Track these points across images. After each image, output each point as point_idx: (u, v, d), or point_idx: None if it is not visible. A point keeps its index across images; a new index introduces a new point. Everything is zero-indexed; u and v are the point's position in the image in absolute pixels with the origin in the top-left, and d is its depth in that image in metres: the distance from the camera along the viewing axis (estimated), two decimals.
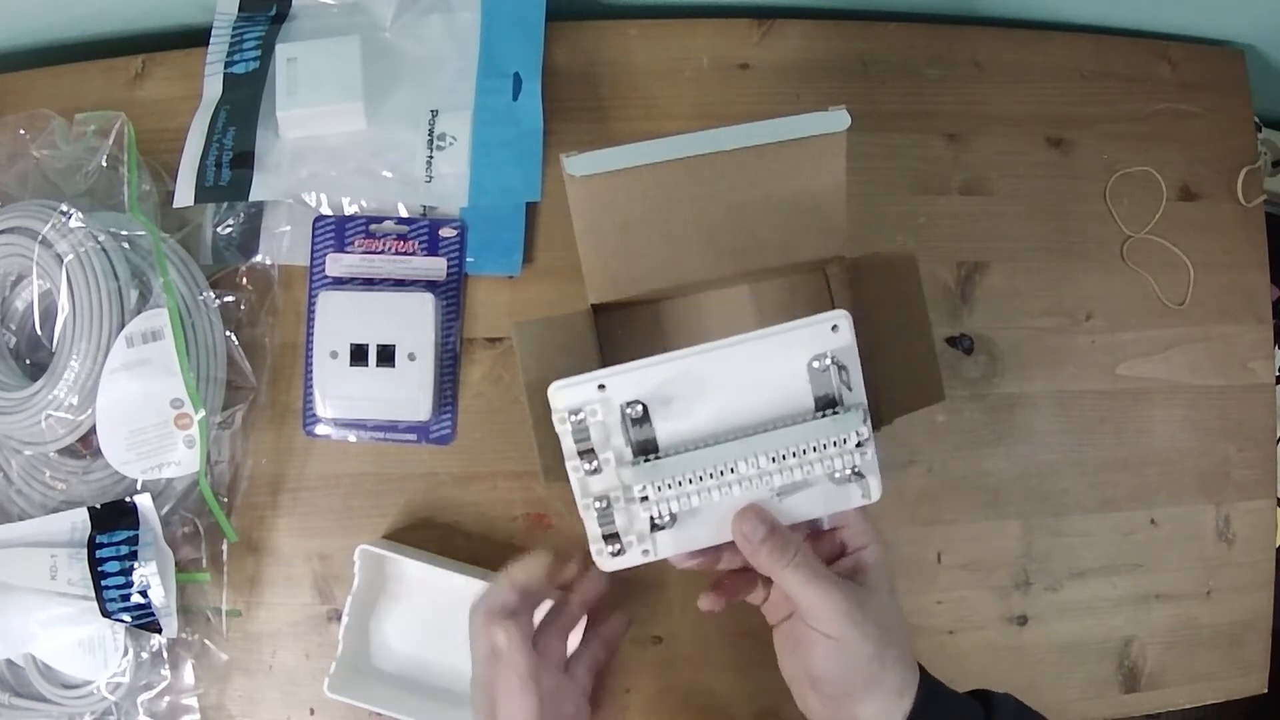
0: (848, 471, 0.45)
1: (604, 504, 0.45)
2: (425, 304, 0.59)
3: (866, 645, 0.44)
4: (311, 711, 0.60)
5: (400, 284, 0.62)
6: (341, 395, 0.59)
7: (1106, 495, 0.66)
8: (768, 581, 0.49)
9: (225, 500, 0.60)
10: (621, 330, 0.60)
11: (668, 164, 0.49)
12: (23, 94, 0.64)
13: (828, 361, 0.44)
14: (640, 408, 0.44)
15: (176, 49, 0.65)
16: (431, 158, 0.62)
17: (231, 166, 0.61)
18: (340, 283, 0.62)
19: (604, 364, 0.56)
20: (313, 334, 0.60)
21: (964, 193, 0.67)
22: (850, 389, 0.45)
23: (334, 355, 0.59)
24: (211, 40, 0.65)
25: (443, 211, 0.63)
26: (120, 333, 0.56)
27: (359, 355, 0.59)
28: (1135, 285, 0.68)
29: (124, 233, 0.58)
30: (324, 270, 0.62)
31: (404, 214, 0.62)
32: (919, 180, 0.67)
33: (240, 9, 0.66)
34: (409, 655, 0.59)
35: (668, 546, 0.46)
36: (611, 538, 0.45)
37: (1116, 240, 0.68)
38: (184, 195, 0.60)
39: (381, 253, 0.62)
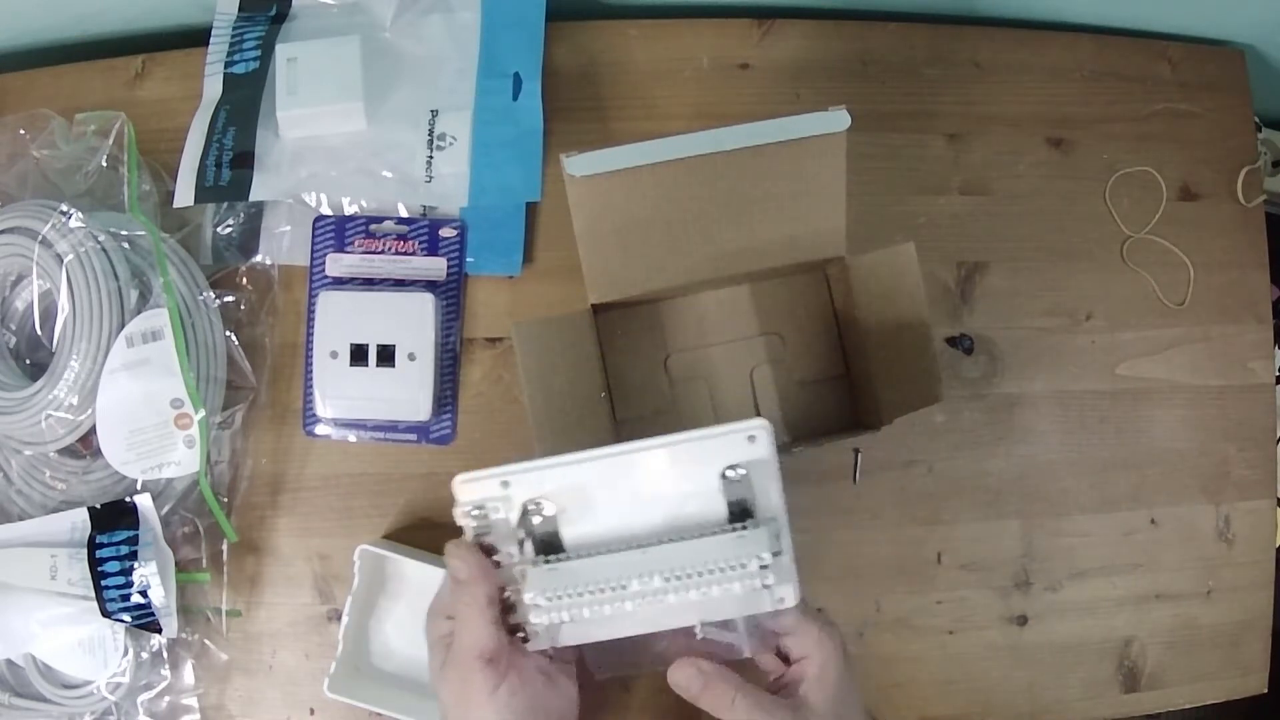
0: (757, 584, 0.42)
1: (508, 597, 0.44)
2: (425, 304, 0.59)
3: None
4: (311, 711, 0.60)
5: (400, 284, 0.62)
6: (341, 395, 0.59)
7: (1106, 495, 0.66)
8: None
9: (225, 500, 0.60)
10: (621, 331, 0.60)
11: (668, 164, 0.49)
12: (23, 94, 0.64)
13: (743, 473, 0.42)
14: (544, 506, 0.43)
15: (176, 49, 0.65)
16: (431, 158, 0.62)
17: (231, 166, 0.61)
18: (340, 283, 0.62)
19: (605, 363, 0.57)
20: (313, 334, 0.60)
21: (964, 193, 0.67)
22: (769, 500, 0.42)
23: (334, 355, 0.59)
24: (211, 40, 0.65)
25: (443, 211, 0.63)
26: (120, 333, 0.56)
27: (359, 355, 0.59)
28: (1135, 285, 0.68)
29: (124, 233, 0.58)
30: (324, 270, 0.62)
31: (404, 214, 0.62)
32: (919, 180, 0.67)
33: (240, 9, 0.66)
34: (409, 655, 0.59)
35: (572, 638, 0.44)
36: (516, 628, 0.44)
37: (1116, 240, 0.68)
38: (184, 195, 0.60)
39: (381, 253, 0.62)
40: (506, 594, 0.44)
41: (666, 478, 0.42)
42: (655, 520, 0.43)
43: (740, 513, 0.42)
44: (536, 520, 0.43)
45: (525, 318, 0.53)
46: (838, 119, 0.50)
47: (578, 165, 0.49)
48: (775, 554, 0.42)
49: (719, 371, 0.60)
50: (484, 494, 0.43)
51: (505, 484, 0.43)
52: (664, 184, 0.51)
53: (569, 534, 0.43)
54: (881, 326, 0.55)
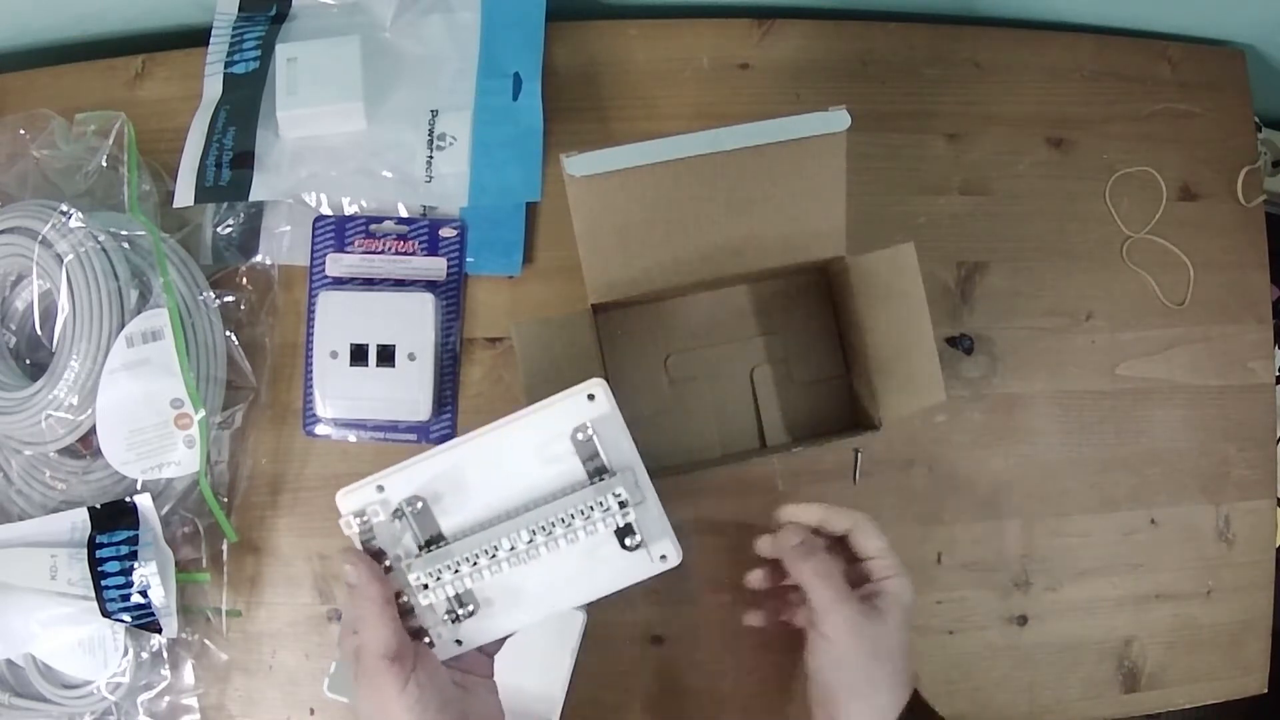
0: (638, 540, 0.45)
1: (405, 600, 0.46)
2: (425, 304, 0.59)
3: (858, 657, 0.47)
4: (311, 711, 0.60)
5: (400, 284, 0.62)
6: (341, 395, 0.59)
7: (1106, 495, 0.66)
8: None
9: (225, 500, 0.60)
10: (621, 331, 0.60)
11: (667, 164, 0.49)
12: (23, 94, 0.64)
13: (590, 432, 0.45)
14: (420, 503, 0.45)
15: (176, 49, 0.65)
16: (431, 158, 0.62)
17: (231, 166, 0.61)
18: (340, 283, 0.62)
19: (605, 363, 0.57)
20: (313, 334, 0.60)
21: (964, 193, 0.67)
22: (620, 453, 0.45)
23: (334, 355, 0.59)
24: (211, 40, 0.65)
25: (443, 211, 0.63)
26: (120, 333, 0.56)
27: (359, 355, 0.59)
28: (1135, 285, 0.68)
29: (124, 233, 0.58)
30: (324, 270, 0.62)
31: (404, 214, 0.62)
32: (919, 180, 0.67)
33: (240, 9, 0.66)
34: None
35: (475, 635, 0.46)
36: (418, 632, 0.46)
37: (1116, 240, 0.68)
38: (184, 195, 0.60)
39: (381, 253, 0.62)
40: (404, 598, 0.46)
41: (525, 453, 0.45)
42: (524, 494, 0.46)
43: (596, 470, 0.45)
44: (413, 515, 0.45)
45: (525, 318, 0.53)
46: (838, 119, 0.50)
47: (578, 165, 0.49)
48: (638, 503, 0.45)
49: (719, 371, 0.60)
50: (363, 501, 0.46)
51: (380, 488, 0.45)
52: (664, 184, 0.51)
53: (447, 524, 0.46)
54: (881, 326, 0.55)
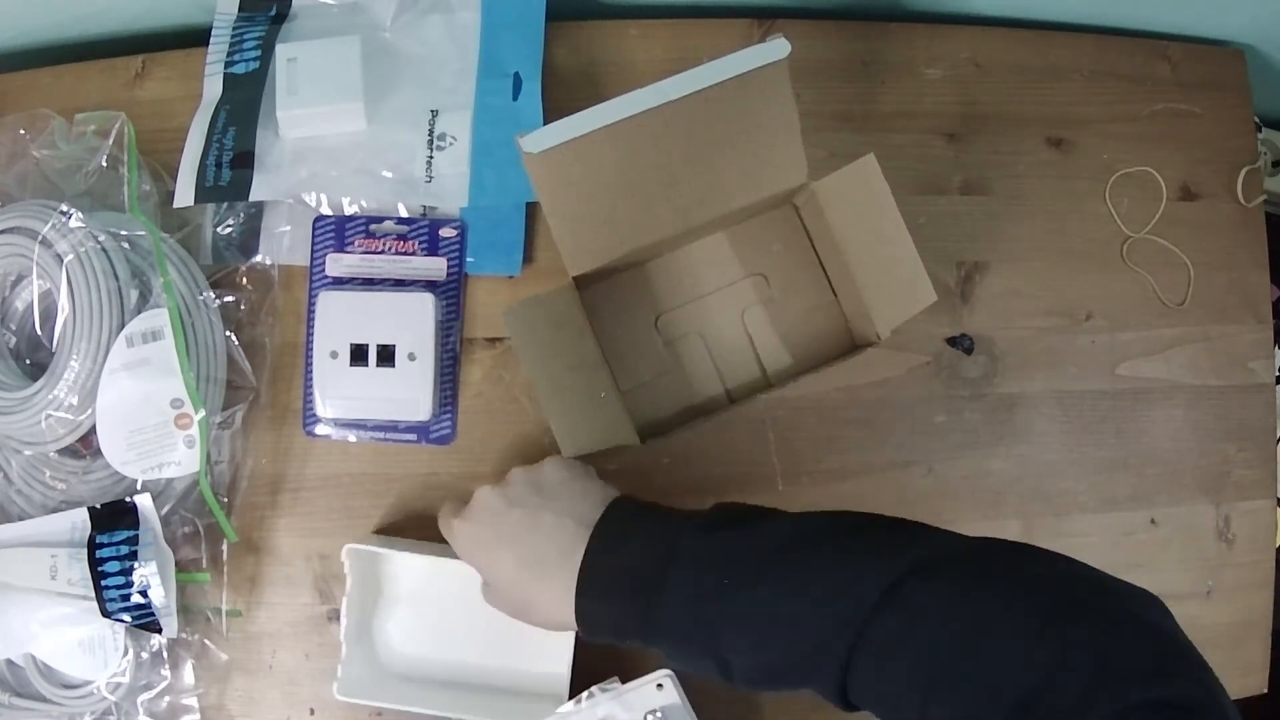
0: None
1: None
2: (425, 304, 0.59)
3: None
4: (311, 711, 0.60)
5: (400, 284, 0.62)
6: (341, 395, 0.59)
7: (1106, 495, 0.66)
8: None
9: (225, 500, 0.60)
10: (608, 300, 0.60)
11: (620, 124, 0.49)
12: (23, 94, 0.64)
13: (659, 716, 0.50)
14: None
15: (176, 49, 0.65)
16: (431, 158, 0.62)
17: (231, 166, 0.61)
18: (340, 283, 0.62)
19: (596, 335, 0.57)
20: (313, 334, 0.60)
21: (964, 193, 0.67)
22: None
23: (334, 355, 0.59)
24: (211, 40, 0.65)
25: (443, 211, 0.63)
26: (120, 333, 0.56)
27: (359, 355, 0.59)
28: (1135, 285, 0.68)
29: (124, 233, 0.58)
30: (324, 270, 0.62)
31: (404, 214, 0.62)
32: (919, 180, 0.67)
33: (240, 9, 0.66)
34: (414, 646, 0.59)
35: None
36: None
37: (1116, 240, 0.68)
38: (184, 195, 0.60)
39: (381, 253, 0.62)
40: None
41: None
42: None
43: None
44: None
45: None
46: (777, 48, 0.50)
47: (533, 142, 0.48)
48: None
49: (711, 321, 0.61)
50: None
51: None
52: (620, 145, 0.51)
53: None
54: (859, 241, 0.56)
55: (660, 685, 0.50)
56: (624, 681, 0.51)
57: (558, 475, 0.51)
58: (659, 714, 0.50)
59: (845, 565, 0.42)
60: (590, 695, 0.51)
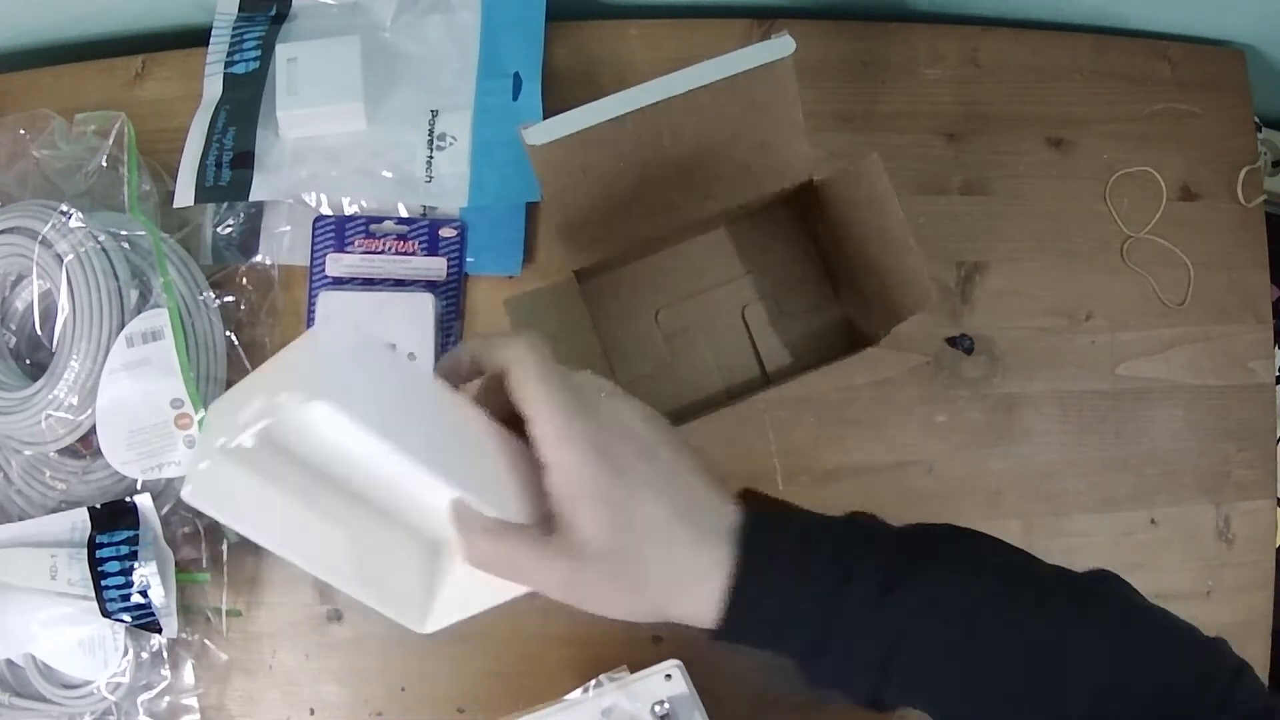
0: None
1: None
2: (425, 304, 0.59)
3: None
4: (311, 711, 0.60)
5: (400, 284, 0.62)
6: None
7: (1106, 495, 0.66)
8: None
9: None
10: (609, 293, 0.60)
11: (625, 117, 0.49)
12: (23, 94, 0.64)
13: (667, 707, 0.49)
14: None
15: (176, 49, 0.65)
16: (431, 158, 0.62)
17: (231, 166, 0.61)
18: (340, 283, 0.62)
19: (596, 328, 0.57)
20: None
21: (964, 193, 0.67)
22: None
23: None
24: (211, 40, 0.65)
25: (443, 211, 0.63)
26: (120, 333, 0.56)
27: None
28: (1135, 285, 0.68)
29: (124, 233, 0.58)
30: (324, 270, 0.62)
31: (404, 214, 0.62)
32: (919, 180, 0.67)
33: (240, 9, 0.66)
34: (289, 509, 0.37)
35: None
36: None
37: (1116, 240, 0.68)
38: (184, 195, 0.60)
39: (381, 253, 0.62)
40: None
41: None
42: None
43: None
44: None
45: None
46: (783, 45, 0.50)
47: (536, 134, 0.48)
48: None
49: (711, 317, 0.61)
50: None
51: None
52: (624, 138, 0.50)
53: None
54: (862, 242, 0.55)
55: (669, 676, 0.50)
56: (632, 671, 0.51)
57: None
58: (666, 704, 0.49)
59: None
60: (598, 684, 0.51)
